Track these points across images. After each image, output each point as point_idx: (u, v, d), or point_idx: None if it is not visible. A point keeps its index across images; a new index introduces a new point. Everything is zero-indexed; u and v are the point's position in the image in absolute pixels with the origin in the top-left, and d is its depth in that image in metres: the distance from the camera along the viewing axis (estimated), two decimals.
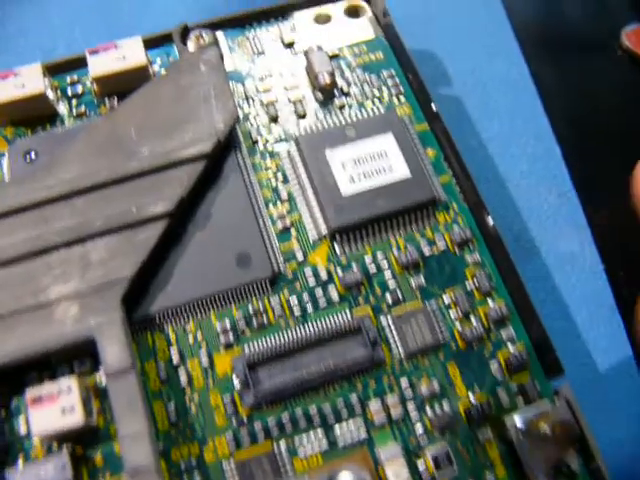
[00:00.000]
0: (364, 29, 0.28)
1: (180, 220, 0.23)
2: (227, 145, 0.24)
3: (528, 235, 0.29)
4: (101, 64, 0.25)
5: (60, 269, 0.21)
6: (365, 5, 0.28)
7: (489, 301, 0.23)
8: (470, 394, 0.22)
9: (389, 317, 0.22)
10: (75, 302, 0.21)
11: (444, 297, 0.23)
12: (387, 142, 0.24)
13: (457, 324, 0.23)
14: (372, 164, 0.24)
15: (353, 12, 0.28)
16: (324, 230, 0.23)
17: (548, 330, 0.23)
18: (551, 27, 0.36)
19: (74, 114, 0.26)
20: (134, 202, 0.22)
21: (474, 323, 0.23)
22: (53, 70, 0.26)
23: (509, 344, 0.23)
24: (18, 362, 0.20)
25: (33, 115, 0.25)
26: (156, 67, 0.27)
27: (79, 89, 0.26)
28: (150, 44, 0.27)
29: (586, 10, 0.37)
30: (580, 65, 0.34)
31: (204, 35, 0.26)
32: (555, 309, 0.28)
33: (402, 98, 0.26)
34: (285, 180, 0.24)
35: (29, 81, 0.25)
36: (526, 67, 0.33)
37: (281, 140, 0.25)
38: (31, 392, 0.20)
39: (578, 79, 0.34)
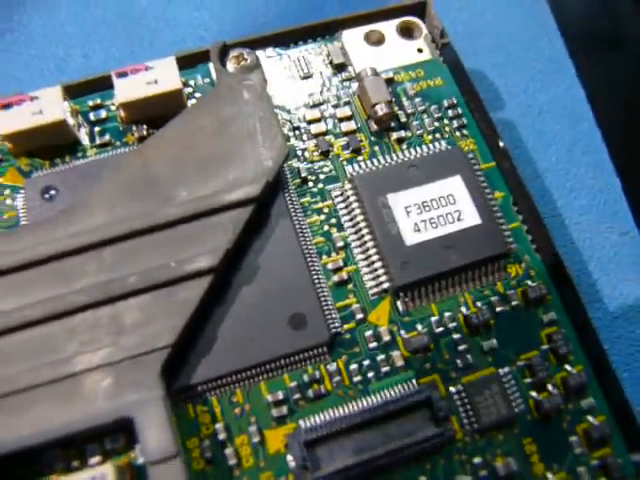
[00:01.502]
0: (420, 50, 0.25)
1: (224, 276, 0.20)
2: (275, 185, 0.21)
3: (590, 279, 0.27)
4: (130, 88, 0.22)
5: (87, 335, 0.19)
6: (420, 23, 0.26)
7: (567, 366, 0.21)
8: (549, 474, 0.20)
9: (459, 386, 0.20)
10: (107, 374, 0.18)
11: (519, 362, 0.21)
12: (455, 185, 0.21)
13: (533, 393, 0.20)
14: (439, 210, 0.21)
15: (407, 31, 0.26)
16: (387, 286, 0.21)
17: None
18: (610, 47, 0.33)
19: (97, 143, 0.23)
20: (172, 255, 0.19)
21: (552, 391, 0.20)
22: (73, 91, 0.23)
23: (589, 415, 0.20)
24: (37, 447, 0.18)
25: (51, 144, 0.22)
26: (189, 90, 0.24)
27: (103, 114, 0.23)
28: (183, 63, 0.24)
29: (634, 18, 0.35)
30: (629, 77, 0.32)
31: (245, 55, 0.23)
32: (619, 360, 0.26)
33: (465, 131, 0.24)
34: (339, 226, 0.22)
35: (47, 106, 0.22)
36: (582, 91, 0.31)
37: (334, 179, 0.23)
38: None
39: (628, 91, 0.31)
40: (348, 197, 0.22)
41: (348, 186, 0.22)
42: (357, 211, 0.21)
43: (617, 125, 0.31)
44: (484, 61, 0.31)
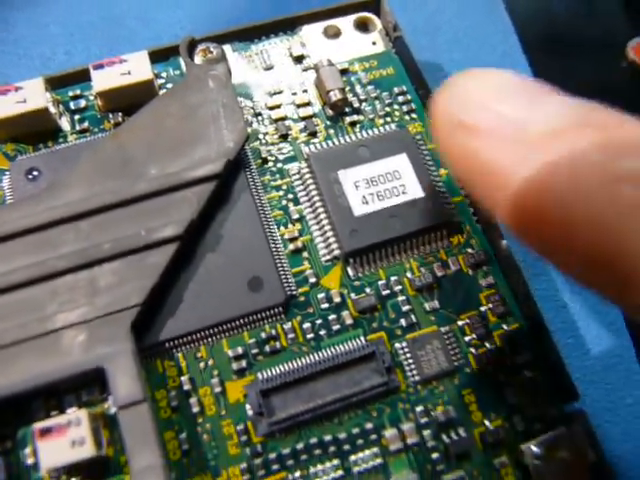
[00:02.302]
0: (374, 43, 0.27)
1: (190, 243, 0.22)
2: (237, 164, 0.24)
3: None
4: (105, 79, 0.24)
5: (66, 296, 0.21)
6: (375, 18, 0.28)
7: (504, 325, 0.23)
8: (486, 421, 0.22)
9: (404, 342, 0.22)
10: (82, 330, 0.20)
11: (459, 322, 0.23)
12: (401, 162, 0.24)
13: (472, 349, 0.22)
14: (385, 185, 0.23)
15: (363, 26, 0.28)
16: (337, 253, 0.23)
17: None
18: (557, 35, 0.35)
19: (77, 130, 0.25)
20: (143, 225, 0.22)
21: (489, 347, 0.22)
22: (55, 83, 0.25)
23: (524, 369, 0.22)
24: (23, 393, 0.20)
25: (35, 131, 0.25)
26: (161, 81, 0.26)
27: (82, 103, 0.25)
28: (156, 57, 0.26)
29: (592, 19, 0.37)
30: (585, 76, 0.34)
31: (212, 49, 0.25)
32: (564, 327, 0.28)
33: (414, 115, 0.26)
34: (296, 200, 0.24)
35: (31, 96, 0.24)
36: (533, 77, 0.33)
37: (292, 159, 0.25)
38: (39, 425, 0.19)
39: (583, 89, 0.34)
40: (304, 174, 0.24)
41: (304, 164, 0.24)
42: (312, 187, 0.24)
43: None
44: (443, 56, 0.33)
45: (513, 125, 0.15)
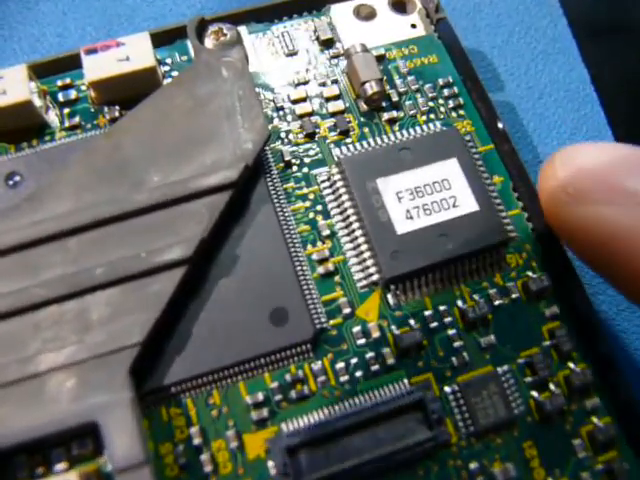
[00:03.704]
0: (413, 26, 0.23)
1: (200, 267, 0.18)
2: (255, 170, 0.20)
3: None
4: (100, 66, 0.20)
5: (51, 331, 0.17)
6: None
7: (570, 364, 0.19)
8: (550, 479, 0.18)
9: (455, 386, 0.19)
10: (71, 374, 0.17)
11: (519, 360, 0.19)
12: (450, 169, 0.20)
13: (534, 393, 0.19)
14: (433, 196, 0.20)
15: (399, 5, 0.24)
16: (376, 278, 0.19)
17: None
18: (613, 23, 0.31)
19: (66, 126, 0.21)
20: (143, 245, 0.18)
21: (554, 391, 0.19)
22: (41, 71, 0.22)
23: (593, 417, 0.19)
24: (2, 450, 0.16)
25: (16, 127, 0.21)
26: (166, 68, 0.22)
27: (72, 95, 0.22)
28: (159, 40, 0.22)
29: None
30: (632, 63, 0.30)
31: (225, 30, 0.22)
32: (623, 355, 0.24)
33: (461, 112, 0.22)
34: (325, 213, 0.20)
35: (11, 86, 0.20)
36: (585, 72, 0.29)
37: (320, 162, 0.21)
38: None
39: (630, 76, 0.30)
40: (335, 182, 0.20)
41: (335, 170, 0.20)
42: (345, 197, 0.20)
43: (621, 107, 0.30)
44: (483, 40, 0.30)
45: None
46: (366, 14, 0.23)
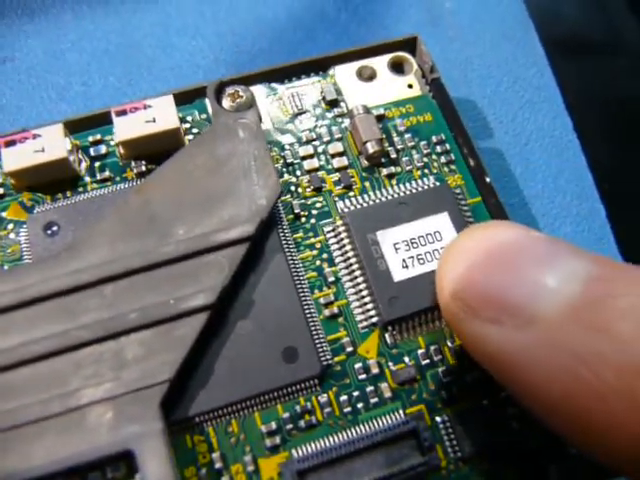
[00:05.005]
0: (410, 86, 0.26)
1: (220, 311, 0.21)
2: (269, 222, 0.22)
3: None
4: (129, 127, 0.23)
5: (91, 369, 0.19)
6: (410, 58, 0.26)
7: None
8: None
9: (445, 416, 0.21)
10: (109, 408, 0.19)
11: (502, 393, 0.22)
12: (442, 222, 0.22)
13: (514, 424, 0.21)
14: (426, 247, 0.22)
15: (397, 66, 0.26)
16: (376, 320, 0.22)
17: None
18: (596, 80, 0.34)
19: (98, 179, 0.24)
20: (171, 292, 0.20)
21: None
22: (73, 127, 0.24)
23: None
24: (44, 477, 0.19)
25: (52, 180, 0.23)
26: (187, 125, 0.25)
27: (102, 150, 0.24)
28: (180, 99, 0.24)
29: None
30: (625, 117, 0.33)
31: (241, 92, 0.24)
32: None
33: (453, 166, 0.25)
34: (331, 261, 0.23)
35: (50, 144, 0.22)
36: (569, 119, 0.32)
37: (326, 214, 0.23)
38: None
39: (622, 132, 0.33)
40: (340, 233, 0.23)
41: (339, 222, 0.23)
42: (348, 247, 0.22)
43: (603, 152, 0.32)
44: (474, 90, 0.32)
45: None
46: (367, 75, 0.26)
